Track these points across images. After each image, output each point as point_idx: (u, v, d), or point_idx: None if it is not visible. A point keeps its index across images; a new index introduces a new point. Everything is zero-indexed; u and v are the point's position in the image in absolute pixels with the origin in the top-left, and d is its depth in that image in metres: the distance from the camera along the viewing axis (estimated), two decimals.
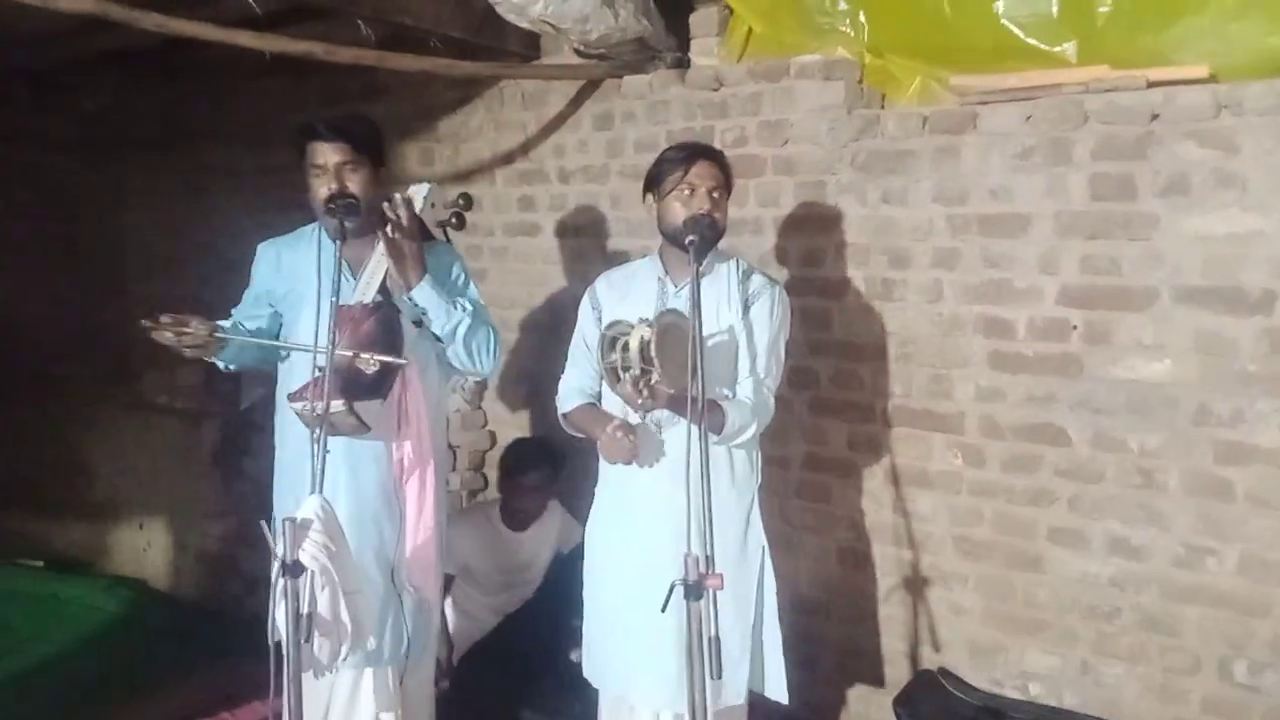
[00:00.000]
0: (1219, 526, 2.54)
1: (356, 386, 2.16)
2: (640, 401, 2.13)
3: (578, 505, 3.39)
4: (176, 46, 3.74)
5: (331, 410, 2.07)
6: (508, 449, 3.59)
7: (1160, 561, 2.62)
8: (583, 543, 3.36)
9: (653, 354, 2.07)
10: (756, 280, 2.44)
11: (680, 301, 2.32)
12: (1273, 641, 2.48)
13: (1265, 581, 2.48)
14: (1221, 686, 2.55)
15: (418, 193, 2.39)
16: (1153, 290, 2.58)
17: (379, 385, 2.21)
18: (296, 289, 2.43)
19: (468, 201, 2.46)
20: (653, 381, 2.09)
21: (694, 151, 2.38)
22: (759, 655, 2.43)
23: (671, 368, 2.07)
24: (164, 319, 2.19)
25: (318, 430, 2.02)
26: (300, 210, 2.50)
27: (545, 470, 3.44)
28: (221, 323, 2.33)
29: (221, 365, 2.46)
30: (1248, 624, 2.51)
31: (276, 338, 2.49)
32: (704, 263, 2.27)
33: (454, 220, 2.55)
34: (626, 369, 2.12)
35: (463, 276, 2.55)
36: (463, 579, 3.45)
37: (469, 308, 2.41)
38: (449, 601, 3.49)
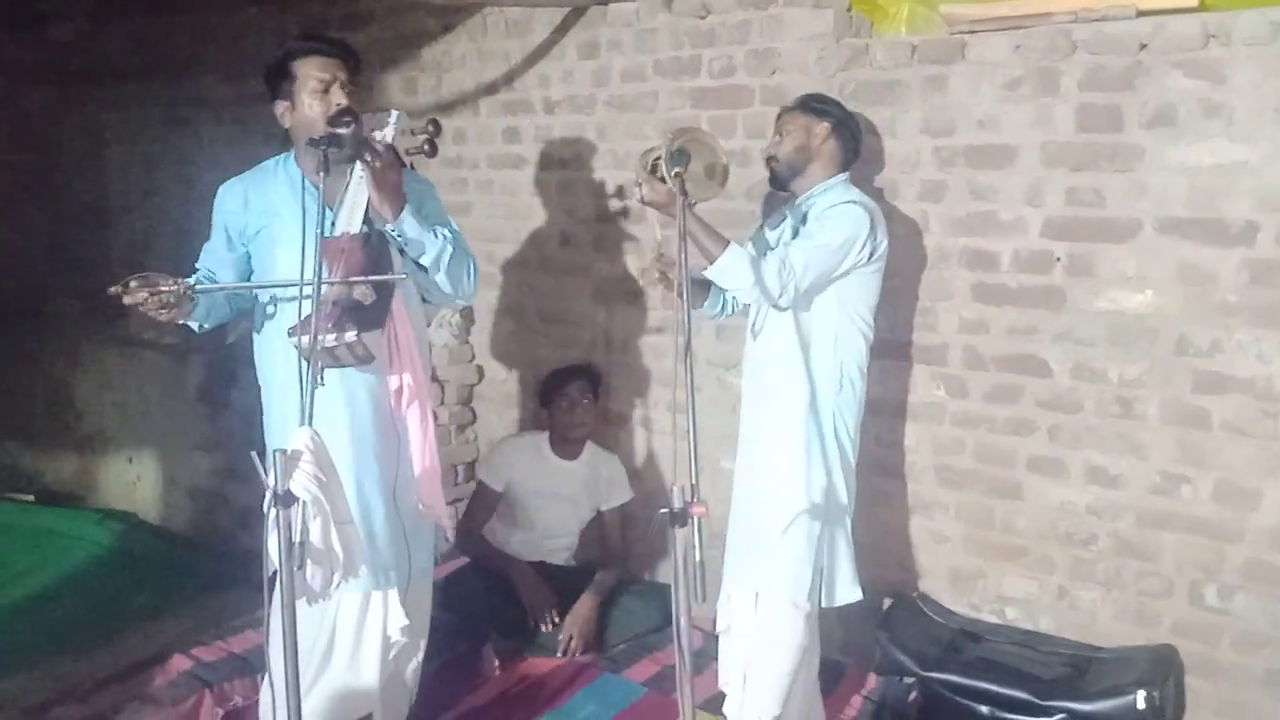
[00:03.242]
0: (1195, 455, 2.59)
1: (361, 317, 2.16)
2: (639, 192, 2.40)
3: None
4: None
5: (346, 340, 2.09)
6: (545, 376, 3.55)
7: (1137, 489, 2.67)
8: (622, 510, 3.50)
9: (665, 164, 2.34)
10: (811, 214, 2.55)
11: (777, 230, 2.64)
12: (1244, 566, 2.55)
13: (1238, 507, 2.54)
14: (1193, 610, 2.63)
15: (389, 120, 2.31)
16: (1136, 222, 2.59)
17: (379, 314, 2.21)
18: (270, 226, 2.37)
19: (437, 128, 2.37)
20: (664, 178, 2.35)
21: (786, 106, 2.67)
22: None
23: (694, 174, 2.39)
24: (133, 282, 2.16)
25: (320, 363, 2.00)
26: (283, 141, 2.45)
27: (585, 379, 3.44)
28: (188, 280, 2.26)
29: (195, 326, 2.43)
30: (1220, 549, 2.57)
31: (249, 279, 2.45)
32: (797, 198, 2.60)
33: (426, 148, 2.50)
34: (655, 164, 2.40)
35: (437, 204, 2.52)
36: (504, 501, 3.45)
37: (449, 235, 2.38)
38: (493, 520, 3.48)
